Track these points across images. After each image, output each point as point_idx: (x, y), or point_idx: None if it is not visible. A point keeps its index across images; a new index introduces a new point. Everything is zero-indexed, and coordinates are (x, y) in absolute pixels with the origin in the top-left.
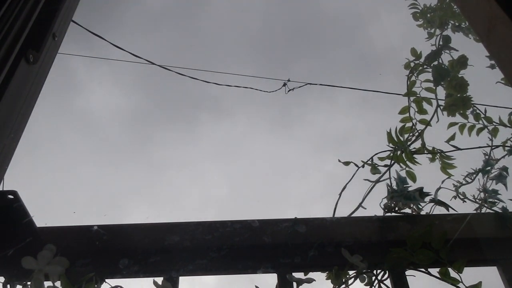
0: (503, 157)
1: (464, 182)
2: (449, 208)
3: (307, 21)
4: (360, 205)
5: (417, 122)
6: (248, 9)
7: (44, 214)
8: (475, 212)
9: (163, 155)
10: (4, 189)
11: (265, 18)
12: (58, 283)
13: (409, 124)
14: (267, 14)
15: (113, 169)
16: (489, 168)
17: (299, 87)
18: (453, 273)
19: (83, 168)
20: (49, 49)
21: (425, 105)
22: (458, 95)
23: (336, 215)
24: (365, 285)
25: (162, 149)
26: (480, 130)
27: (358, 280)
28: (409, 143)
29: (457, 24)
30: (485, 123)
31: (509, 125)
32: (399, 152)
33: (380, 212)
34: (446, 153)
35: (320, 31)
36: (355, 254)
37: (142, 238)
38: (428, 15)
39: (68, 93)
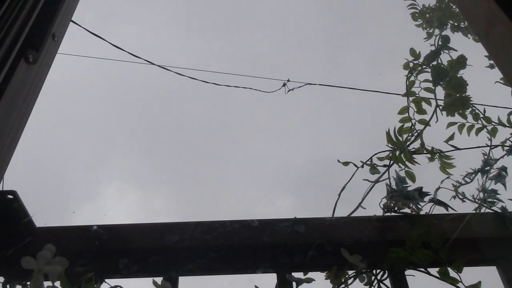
0: (502, 157)
1: (463, 182)
2: (449, 208)
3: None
4: (359, 205)
5: (416, 122)
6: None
7: (44, 214)
8: (474, 212)
9: None
10: (4, 189)
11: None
12: (57, 283)
13: (408, 124)
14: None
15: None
16: (488, 168)
17: (299, 87)
18: (452, 273)
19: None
20: (49, 49)
21: (424, 105)
22: (457, 95)
23: (335, 215)
24: (365, 285)
25: None
26: (479, 130)
27: (357, 280)
28: (408, 143)
29: (456, 24)
30: (484, 123)
31: (508, 125)
32: (398, 152)
33: (379, 212)
34: (445, 153)
35: (318, 31)
36: (354, 254)
37: (142, 238)
38: (427, 15)
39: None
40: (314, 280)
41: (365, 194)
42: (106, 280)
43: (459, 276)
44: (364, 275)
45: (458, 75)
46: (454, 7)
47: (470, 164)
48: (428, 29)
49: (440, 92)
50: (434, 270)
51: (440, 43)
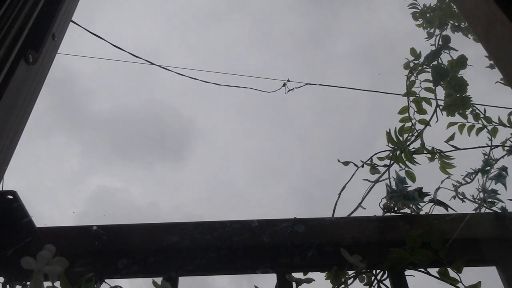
0: (503, 157)
1: (463, 182)
2: (448, 208)
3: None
4: (359, 205)
5: (417, 122)
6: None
7: (44, 214)
8: (474, 212)
9: None
10: (4, 189)
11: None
12: (57, 283)
13: (408, 124)
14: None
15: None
16: (488, 168)
17: (299, 87)
18: (452, 273)
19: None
20: (49, 49)
21: (424, 105)
22: (458, 95)
23: (335, 215)
24: (364, 285)
25: None
26: (479, 130)
27: (357, 280)
28: (408, 143)
29: (456, 24)
30: (485, 123)
31: (508, 125)
32: (398, 152)
33: (379, 212)
34: (446, 153)
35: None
36: (354, 254)
37: (142, 238)
38: (428, 15)
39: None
40: (314, 280)
41: (365, 194)
42: (106, 280)
43: (459, 276)
44: (364, 275)
45: (459, 75)
46: (454, 7)
47: (470, 164)
48: (428, 29)
49: (441, 92)
50: (434, 270)
51: (440, 43)
